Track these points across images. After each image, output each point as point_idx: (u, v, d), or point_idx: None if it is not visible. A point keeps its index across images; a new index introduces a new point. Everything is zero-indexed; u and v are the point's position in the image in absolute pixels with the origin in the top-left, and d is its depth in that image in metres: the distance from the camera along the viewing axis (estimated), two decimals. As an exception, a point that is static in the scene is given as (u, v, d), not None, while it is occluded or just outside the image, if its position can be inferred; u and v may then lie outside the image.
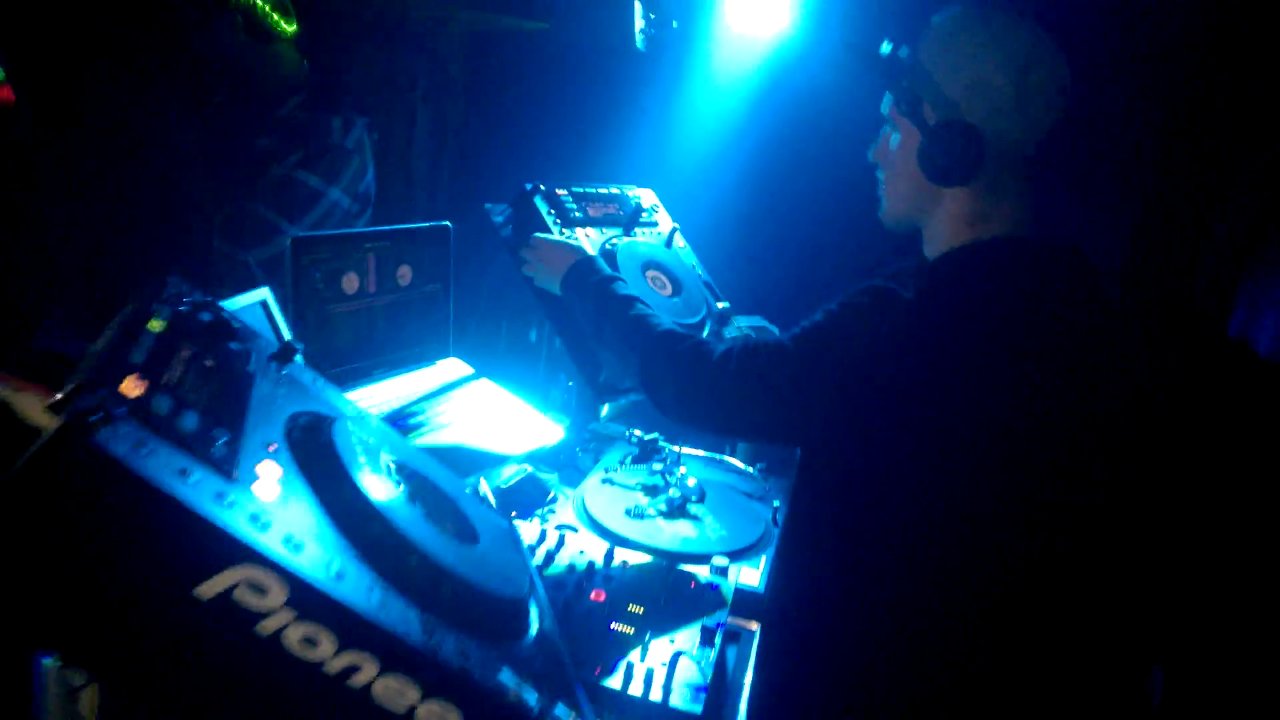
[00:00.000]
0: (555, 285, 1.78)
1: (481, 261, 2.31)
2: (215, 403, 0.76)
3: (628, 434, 2.35)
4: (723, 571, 1.78)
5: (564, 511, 2.04)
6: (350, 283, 1.75)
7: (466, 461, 1.83)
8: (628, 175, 2.27)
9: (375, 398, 1.83)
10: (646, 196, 2.25)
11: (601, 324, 1.64)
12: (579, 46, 2.65)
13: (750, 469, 2.31)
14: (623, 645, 1.51)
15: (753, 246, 2.52)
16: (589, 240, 1.97)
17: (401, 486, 0.90)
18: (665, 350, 1.50)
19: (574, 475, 2.30)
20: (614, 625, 1.56)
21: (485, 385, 2.06)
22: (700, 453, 2.33)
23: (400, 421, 1.82)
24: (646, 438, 2.32)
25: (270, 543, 0.65)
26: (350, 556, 0.71)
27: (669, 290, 2.03)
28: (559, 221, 1.94)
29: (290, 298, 1.60)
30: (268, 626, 0.63)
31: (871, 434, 1.23)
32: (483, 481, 1.97)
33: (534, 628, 0.99)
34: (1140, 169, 1.94)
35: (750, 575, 1.87)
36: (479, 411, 2.00)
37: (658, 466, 2.21)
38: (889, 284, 1.28)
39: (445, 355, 2.08)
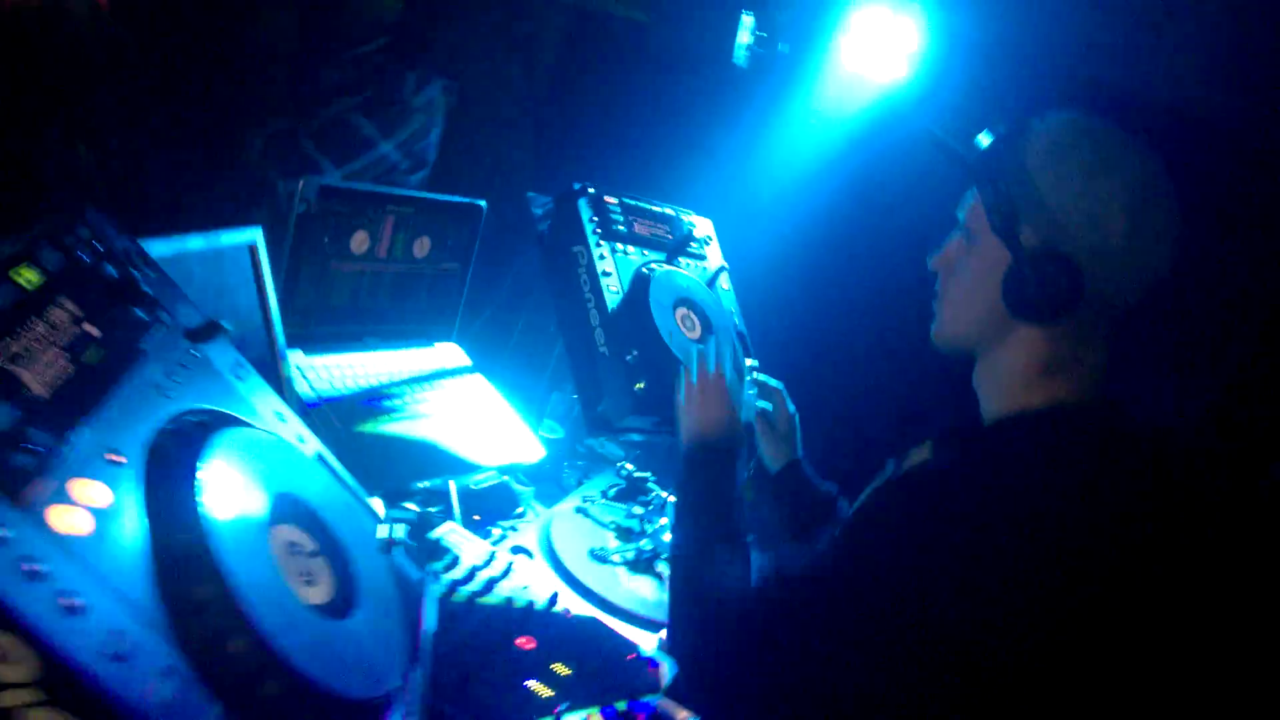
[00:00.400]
0: (684, 434, 1.51)
1: (516, 250, 2.17)
2: (69, 388, 0.63)
3: (619, 465, 2.21)
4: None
5: (526, 532, 1.90)
6: (359, 242, 1.62)
7: (434, 461, 1.70)
8: (689, 198, 2.11)
9: (357, 367, 1.71)
10: (702, 226, 2.09)
11: (691, 514, 1.42)
12: (674, 48, 2.49)
13: (736, 536, 2.15)
14: (532, 710, 1.37)
15: (803, 312, 2.35)
16: (628, 258, 1.82)
17: (274, 532, 0.75)
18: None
19: (553, 493, 2.17)
20: (530, 683, 1.43)
21: (478, 382, 1.92)
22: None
23: (376, 400, 1.69)
24: (637, 474, 2.17)
25: (30, 600, 0.51)
26: (154, 630, 0.58)
27: (696, 333, 1.87)
28: (598, 232, 1.80)
29: (289, 246, 1.48)
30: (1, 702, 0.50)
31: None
32: (451, 484, 1.84)
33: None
34: (1237, 342, 1.73)
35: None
36: (463, 409, 1.86)
37: (639, 510, 2.07)
38: (926, 469, 1.10)
39: (446, 339, 1.95)
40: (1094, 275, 1.08)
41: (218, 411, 0.75)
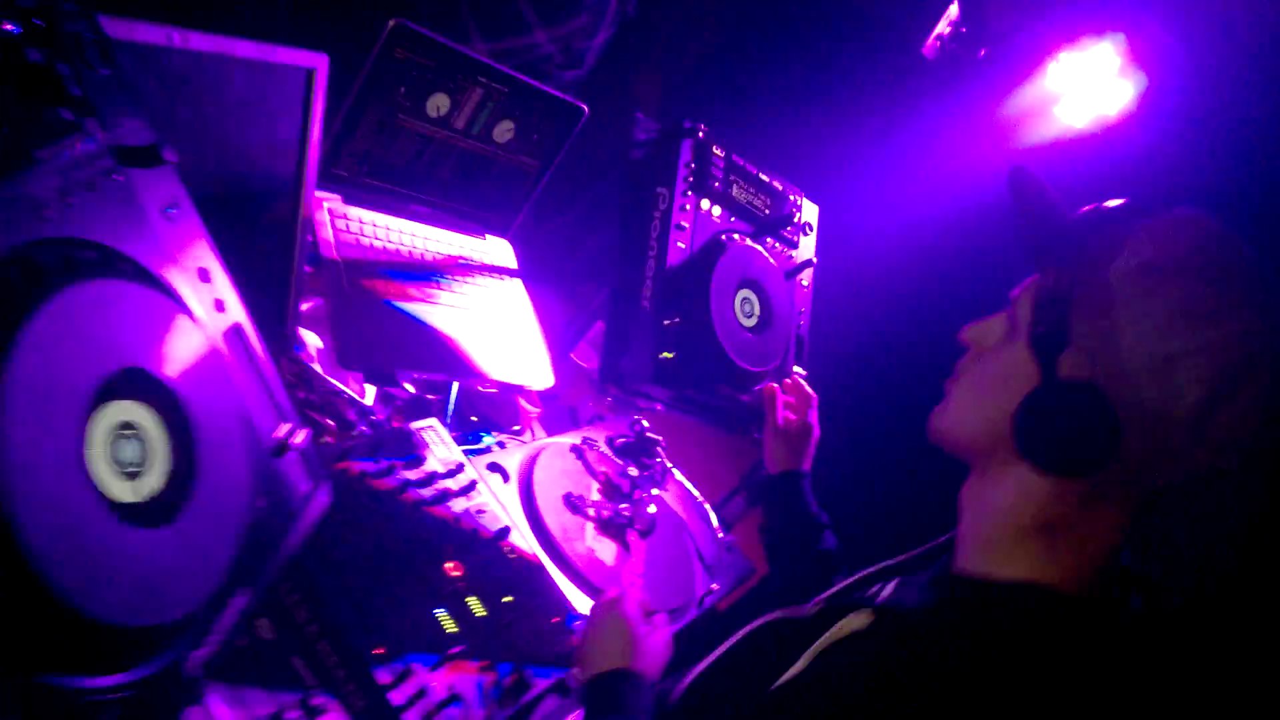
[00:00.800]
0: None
1: (605, 171, 2.03)
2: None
3: (637, 418, 2.10)
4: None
5: (513, 453, 1.81)
6: (437, 104, 1.50)
7: (436, 354, 1.60)
8: (807, 178, 1.93)
9: (395, 232, 1.61)
10: (807, 211, 1.91)
11: None
12: (863, 16, 2.25)
13: (722, 533, 2.03)
14: (425, 641, 1.30)
15: (881, 339, 2.15)
16: (710, 213, 1.67)
17: (103, 409, 0.64)
18: None
19: (562, 422, 2.08)
20: (439, 611, 1.35)
21: (515, 289, 1.81)
22: (690, 487, 2.05)
23: (402, 273, 1.60)
24: (649, 434, 2.06)
25: None
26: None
27: (752, 321, 1.73)
28: (690, 180, 1.65)
29: (359, 84, 1.38)
30: None
31: None
32: (455, 385, 1.76)
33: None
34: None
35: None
36: (490, 312, 1.76)
37: (634, 471, 1.96)
38: (860, 648, 0.89)
39: (499, 234, 1.84)
40: (1137, 437, 0.82)
41: (107, 251, 0.66)
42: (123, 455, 0.63)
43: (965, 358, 1.03)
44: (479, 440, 1.88)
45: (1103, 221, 0.89)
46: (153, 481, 0.65)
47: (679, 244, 1.60)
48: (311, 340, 1.60)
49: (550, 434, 2.01)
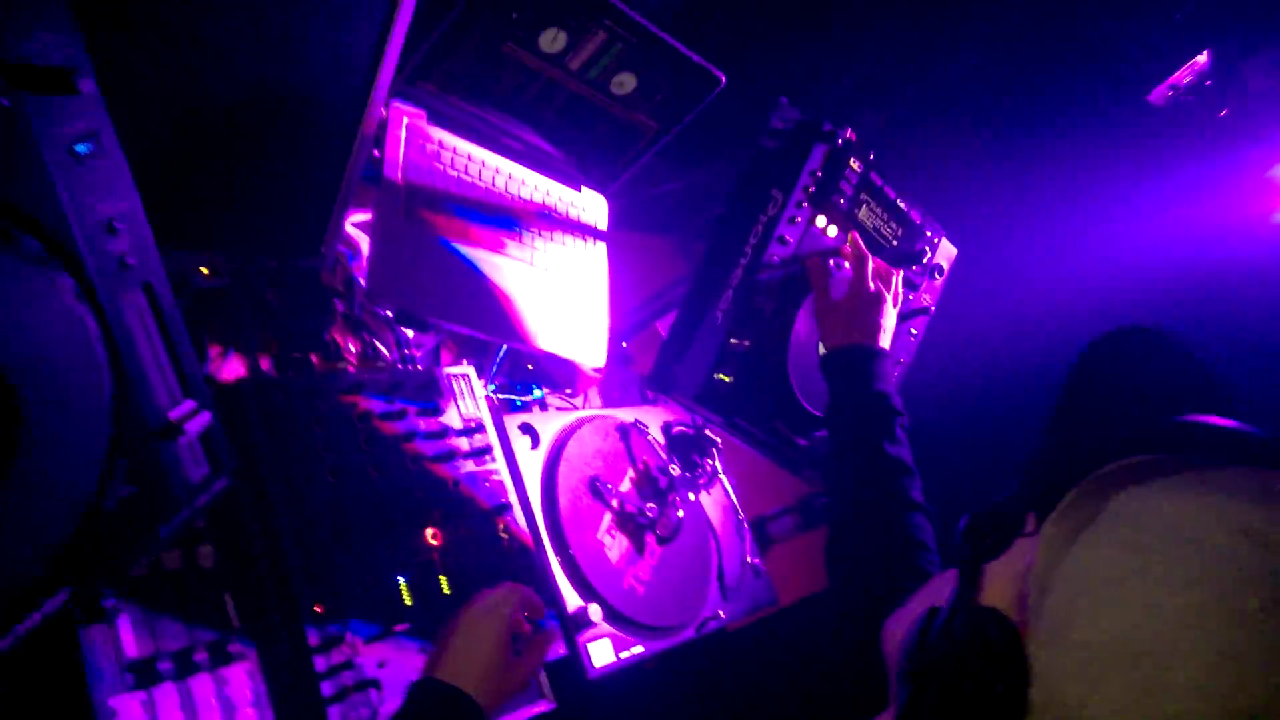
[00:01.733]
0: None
1: (730, 151, 1.81)
2: None
3: (696, 418, 1.93)
4: (582, 624, 1.43)
5: (554, 419, 1.69)
6: (552, 39, 1.34)
7: (480, 307, 1.48)
8: (956, 216, 1.68)
9: (476, 163, 1.47)
10: (943, 253, 1.66)
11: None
12: (1089, 44, 1.90)
13: (749, 558, 1.87)
14: (376, 611, 1.22)
15: (990, 427, 1.88)
16: (825, 232, 1.46)
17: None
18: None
19: (625, 393, 1.94)
20: (401, 579, 1.27)
21: (597, 254, 1.66)
22: (734, 499, 1.89)
23: (469, 212, 1.47)
24: (705, 433, 1.89)
25: None
26: None
27: (836, 362, 1.52)
28: (811, 190, 1.44)
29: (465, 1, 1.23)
30: None
31: None
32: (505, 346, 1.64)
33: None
34: None
35: (603, 653, 1.50)
36: (559, 272, 1.61)
37: (676, 470, 1.81)
38: None
39: (597, 190, 1.67)
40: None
41: None
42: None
43: (950, 571, 0.84)
44: (528, 392, 1.77)
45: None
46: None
47: (774, 258, 1.40)
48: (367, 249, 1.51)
49: (606, 404, 1.88)
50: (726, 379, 1.38)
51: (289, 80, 1.09)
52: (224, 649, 1.08)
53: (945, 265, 1.65)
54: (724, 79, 1.48)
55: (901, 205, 1.56)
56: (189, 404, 0.74)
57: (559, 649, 1.38)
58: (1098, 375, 0.78)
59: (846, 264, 1.45)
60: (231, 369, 1.38)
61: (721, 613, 1.75)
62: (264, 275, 1.33)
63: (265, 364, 1.40)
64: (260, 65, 1.06)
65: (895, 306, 1.41)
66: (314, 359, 1.43)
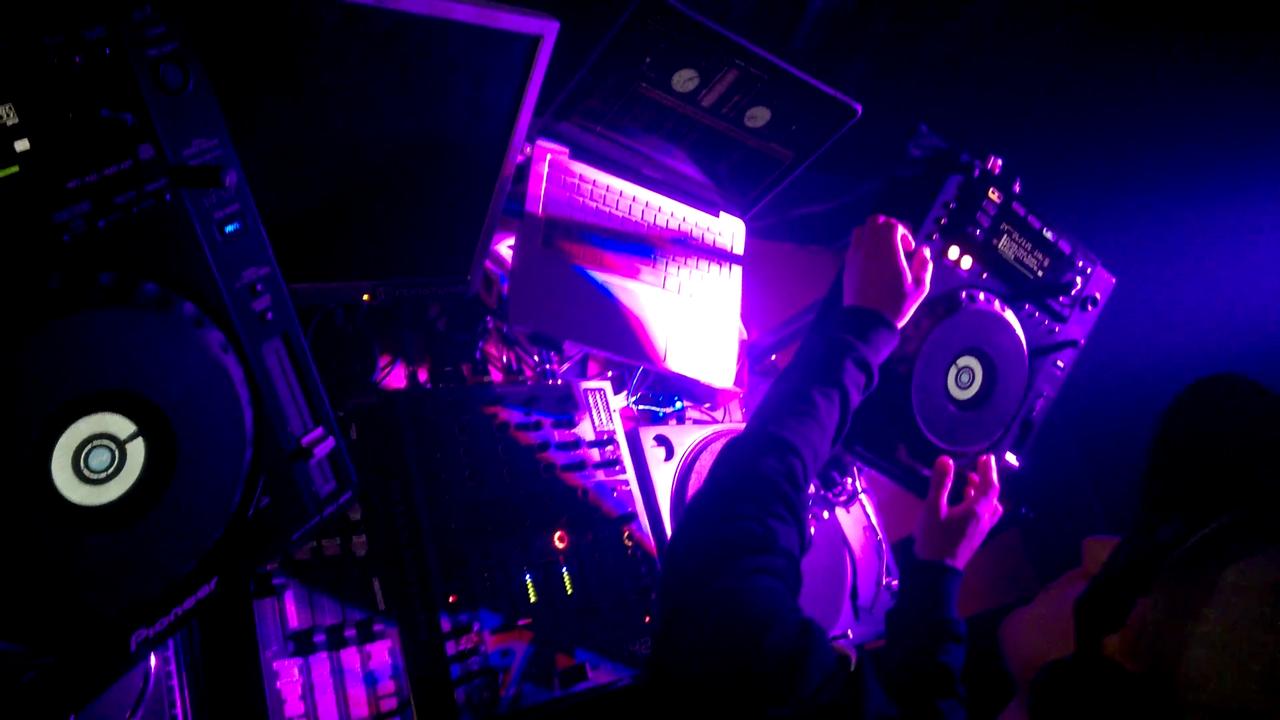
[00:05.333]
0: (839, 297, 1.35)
1: (873, 176, 1.78)
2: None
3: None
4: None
5: (690, 432, 1.75)
6: (684, 80, 1.40)
7: (614, 334, 1.57)
8: (1116, 242, 1.59)
9: (612, 194, 1.55)
10: (1096, 284, 1.59)
11: (793, 386, 1.23)
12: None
13: (886, 580, 1.86)
14: (503, 605, 1.34)
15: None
16: (958, 265, 1.44)
17: (78, 424, 0.72)
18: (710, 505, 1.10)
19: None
20: (528, 578, 1.39)
21: (731, 280, 1.70)
22: (874, 520, 1.89)
23: (605, 241, 1.56)
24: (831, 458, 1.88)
25: None
26: None
27: (965, 394, 1.50)
28: (943, 223, 1.42)
29: (599, 51, 1.31)
30: None
31: None
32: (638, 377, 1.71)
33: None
34: None
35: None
36: (693, 296, 1.67)
37: (811, 487, 1.82)
38: None
39: (735, 214, 1.71)
40: None
41: (127, 278, 0.70)
42: (93, 463, 0.70)
43: (1073, 571, 0.89)
44: (669, 404, 1.86)
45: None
46: (118, 488, 0.72)
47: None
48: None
49: (746, 419, 1.93)
50: (845, 408, 1.40)
51: (435, 131, 1.23)
52: (370, 628, 1.24)
53: (1099, 296, 1.58)
54: (860, 110, 1.49)
55: (1048, 235, 1.50)
56: (318, 431, 0.88)
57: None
58: (1190, 425, 0.80)
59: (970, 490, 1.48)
60: (395, 378, 1.56)
61: (850, 632, 1.77)
62: (425, 296, 1.49)
63: (423, 375, 1.57)
64: (409, 120, 1.20)
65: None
66: (465, 371, 1.59)
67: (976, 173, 1.42)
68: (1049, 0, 1.83)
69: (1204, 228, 1.79)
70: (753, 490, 1.07)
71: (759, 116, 1.50)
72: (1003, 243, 1.47)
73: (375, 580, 1.29)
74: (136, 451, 0.73)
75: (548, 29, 1.19)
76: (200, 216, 0.75)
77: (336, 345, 1.48)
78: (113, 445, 0.72)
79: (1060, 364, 1.57)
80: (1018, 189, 1.48)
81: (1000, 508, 1.47)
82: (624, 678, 1.40)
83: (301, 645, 1.19)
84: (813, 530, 1.76)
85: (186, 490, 0.76)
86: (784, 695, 0.82)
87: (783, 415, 1.17)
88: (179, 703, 1.09)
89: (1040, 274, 1.52)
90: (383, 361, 1.54)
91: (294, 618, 1.21)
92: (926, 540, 1.44)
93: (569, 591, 1.42)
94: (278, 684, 1.14)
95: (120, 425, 0.72)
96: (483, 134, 1.27)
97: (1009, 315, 1.49)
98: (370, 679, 1.23)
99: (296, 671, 1.17)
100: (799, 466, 1.12)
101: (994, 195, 1.44)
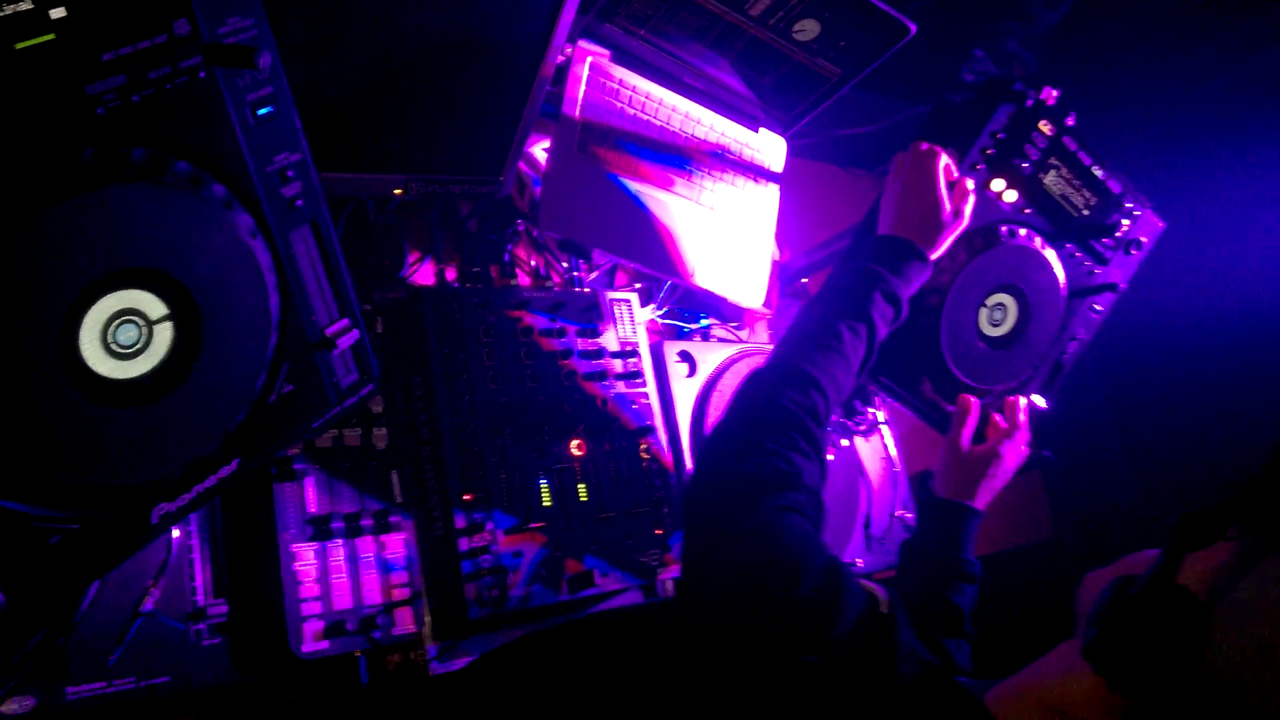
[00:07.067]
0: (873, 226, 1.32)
1: (918, 101, 1.71)
2: None
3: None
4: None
5: (714, 350, 1.74)
6: (737, -16, 1.35)
7: (643, 242, 1.55)
8: (1169, 185, 1.54)
9: (651, 103, 1.50)
10: (1142, 226, 1.54)
11: (819, 317, 1.21)
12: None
13: (899, 510, 1.87)
14: (517, 507, 1.36)
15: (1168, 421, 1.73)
16: (999, 196, 1.40)
17: (104, 300, 0.73)
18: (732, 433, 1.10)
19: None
20: (543, 482, 1.40)
21: (768, 196, 1.67)
22: (892, 450, 1.89)
23: (642, 150, 1.52)
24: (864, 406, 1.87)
25: None
26: None
27: (997, 331, 1.48)
28: (989, 152, 1.38)
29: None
30: None
31: None
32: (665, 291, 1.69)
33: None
34: None
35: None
36: (727, 212, 1.63)
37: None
38: None
39: (776, 131, 1.66)
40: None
41: (160, 154, 0.69)
42: (121, 338, 0.71)
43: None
44: (694, 320, 1.85)
45: None
46: (144, 364, 0.73)
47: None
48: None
49: (773, 341, 1.92)
50: (872, 336, 1.39)
51: (475, 26, 1.19)
52: (386, 518, 1.27)
53: (1145, 240, 1.53)
54: (914, 29, 1.43)
55: (1098, 173, 1.46)
56: (343, 322, 0.89)
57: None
58: None
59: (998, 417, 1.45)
60: (423, 274, 1.55)
61: (860, 560, 1.79)
62: (457, 195, 1.47)
63: (451, 273, 1.57)
64: (448, 13, 1.16)
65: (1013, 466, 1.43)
66: (493, 272, 1.58)
67: (1030, 103, 1.36)
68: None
69: (1265, 186, 1.72)
70: (776, 423, 1.06)
71: (808, 29, 1.44)
72: (1050, 178, 1.43)
73: (394, 473, 1.31)
74: (163, 329, 0.74)
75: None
76: (234, 97, 0.74)
77: (366, 238, 1.47)
78: (140, 321, 0.72)
79: (1098, 307, 1.54)
80: (1071, 123, 1.42)
81: (1026, 451, 1.45)
82: (631, 586, 1.43)
83: (319, 530, 1.22)
84: (831, 457, 1.76)
85: (211, 371, 0.77)
86: (816, 641, 0.82)
87: (808, 348, 1.16)
88: (199, 574, 1.13)
89: (1086, 213, 1.47)
90: (412, 257, 1.54)
91: (313, 503, 1.24)
92: (947, 478, 1.43)
93: (583, 499, 1.44)
94: (294, 565, 1.18)
95: (148, 302, 0.73)
96: (523, 31, 1.23)
97: (1049, 253, 1.45)
98: (384, 567, 1.26)
99: (313, 555, 1.21)
100: (821, 402, 1.11)
101: (1045, 128, 1.39)
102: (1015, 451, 1.43)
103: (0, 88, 0.66)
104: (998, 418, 1.46)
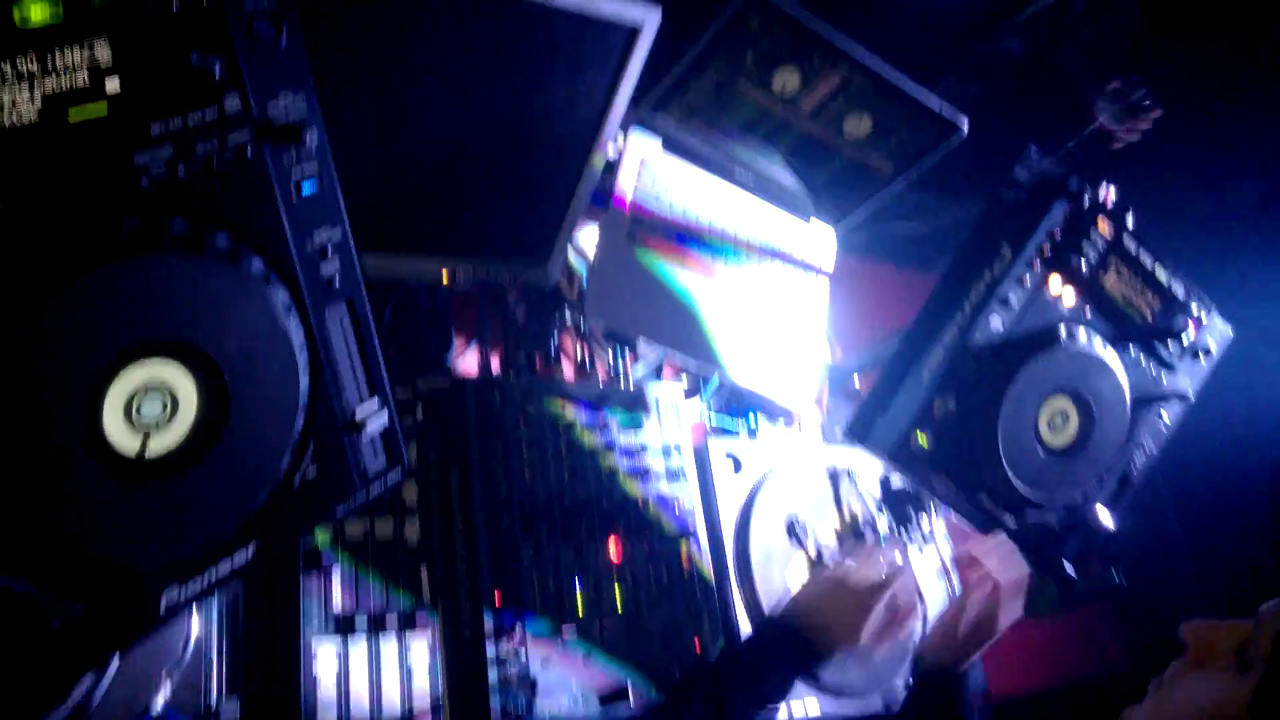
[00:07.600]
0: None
1: (973, 199, 1.69)
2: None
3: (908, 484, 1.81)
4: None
5: (760, 449, 1.68)
6: (785, 80, 1.34)
7: (688, 336, 1.52)
8: (1239, 290, 1.48)
9: (704, 193, 1.50)
10: (1210, 333, 1.47)
11: None
12: None
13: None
14: (549, 611, 1.29)
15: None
16: (1058, 298, 1.36)
17: (127, 371, 0.70)
18: None
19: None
20: (578, 584, 1.34)
21: (818, 286, 1.63)
22: (949, 566, 1.78)
23: (689, 239, 1.51)
24: (909, 494, 1.79)
25: None
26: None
27: (1058, 440, 1.41)
28: (1047, 255, 1.34)
29: (705, 41, 1.27)
30: None
31: None
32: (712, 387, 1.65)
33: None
34: None
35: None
36: (775, 305, 1.60)
37: (884, 525, 1.72)
38: None
39: (826, 221, 1.63)
40: None
41: (198, 228, 0.68)
42: (145, 410, 0.69)
43: (1180, 661, 0.80)
44: (743, 417, 1.79)
45: None
46: (167, 439, 0.70)
47: (993, 324, 1.32)
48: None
49: (827, 439, 1.85)
50: (923, 441, 1.33)
51: (527, 114, 1.20)
52: (412, 618, 1.22)
53: (1214, 346, 1.47)
54: (965, 127, 1.42)
55: (1160, 276, 1.40)
56: (373, 403, 0.86)
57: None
58: None
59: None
60: (468, 363, 1.54)
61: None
62: (504, 281, 1.46)
63: (496, 362, 1.55)
64: (501, 100, 1.17)
65: None
66: (538, 362, 1.56)
67: (1086, 202, 1.33)
68: (1173, 29, 1.73)
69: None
70: None
71: (859, 125, 1.44)
72: (1110, 279, 1.38)
73: (424, 567, 1.26)
74: (188, 405, 0.71)
75: (649, 18, 1.16)
76: (279, 173, 0.74)
77: (415, 325, 1.47)
78: (165, 395, 0.70)
79: (1164, 418, 1.46)
80: (1130, 223, 1.39)
81: (1009, 606, 1.40)
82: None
83: (343, 627, 1.17)
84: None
85: (234, 450, 0.74)
86: None
87: None
88: (214, 669, 1.08)
89: (1148, 317, 1.42)
90: (459, 345, 1.53)
91: (339, 597, 1.19)
92: (933, 643, 1.44)
93: (618, 605, 1.37)
94: (315, 665, 1.12)
95: (176, 376, 0.71)
96: (575, 121, 1.24)
97: (1114, 357, 1.39)
98: (406, 671, 1.19)
99: (334, 653, 1.15)
100: None
101: (1103, 229, 1.36)
102: (986, 605, 1.40)
103: (52, 157, 0.66)
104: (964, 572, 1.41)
